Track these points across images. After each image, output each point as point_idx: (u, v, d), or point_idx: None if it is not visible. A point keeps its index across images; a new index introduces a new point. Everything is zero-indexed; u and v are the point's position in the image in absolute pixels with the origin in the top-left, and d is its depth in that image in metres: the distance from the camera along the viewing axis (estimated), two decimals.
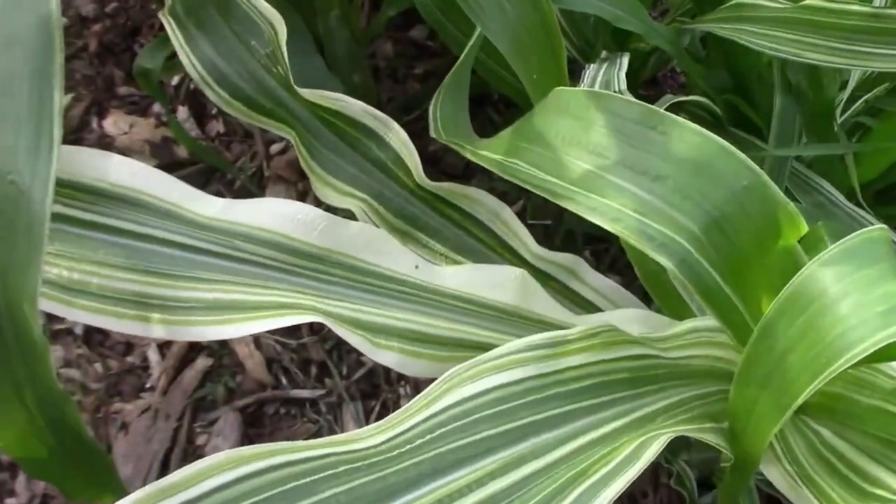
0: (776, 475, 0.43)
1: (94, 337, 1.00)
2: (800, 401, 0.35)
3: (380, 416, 0.92)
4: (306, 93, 0.53)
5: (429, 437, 0.37)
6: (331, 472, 0.35)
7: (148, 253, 0.45)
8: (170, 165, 1.09)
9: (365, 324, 0.44)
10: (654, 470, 0.86)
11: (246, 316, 0.41)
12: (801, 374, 0.35)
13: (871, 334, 0.34)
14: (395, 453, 0.37)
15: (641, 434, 0.38)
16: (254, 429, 0.93)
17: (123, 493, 0.51)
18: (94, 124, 1.13)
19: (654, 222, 0.39)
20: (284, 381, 0.95)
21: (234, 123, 1.13)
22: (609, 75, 0.57)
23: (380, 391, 0.95)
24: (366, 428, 0.38)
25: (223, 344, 0.98)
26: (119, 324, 0.43)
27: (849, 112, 0.69)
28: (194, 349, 0.99)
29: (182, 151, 1.10)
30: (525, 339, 0.40)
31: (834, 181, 0.65)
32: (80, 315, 0.43)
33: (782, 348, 0.36)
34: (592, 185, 0.40)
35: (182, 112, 1.13)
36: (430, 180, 0.53)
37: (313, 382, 0.95)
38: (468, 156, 0.47)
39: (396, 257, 0.48)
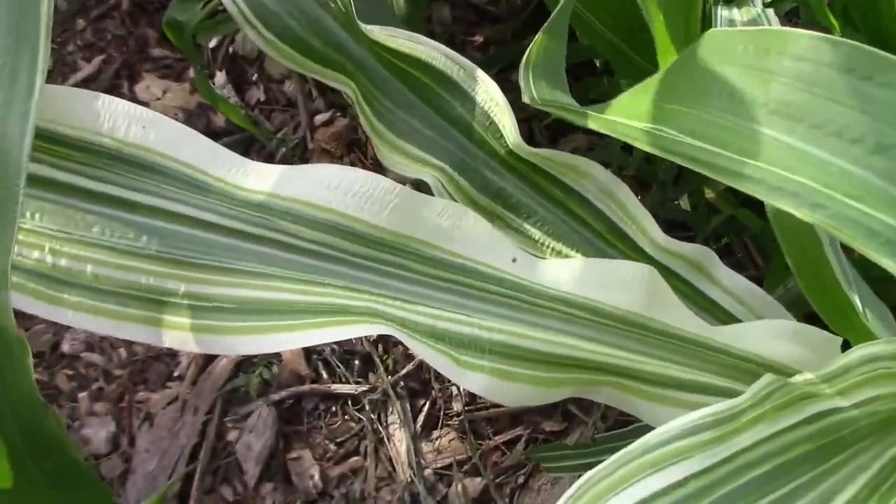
0: None
1: None
2: None
3: (429, 417, 0.84)
4: (373, 31, 0.42)
5: None
6: None
7: (163, 233, 0.34)
8: (205, 135, 1.00)
9: (447, 335, 0.33)
10: None
11: (291, 324, 0.31)
12: None
13: None
14: None
15: None
16: (290, 426, 0.85)
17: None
18: (125, 89, 1.05)
19: (875, 210, 0.28)
20: (325, 374, 0.87)
21: (275, 91, 1.05)
22: (751, 14, 0.45)
23: (429, 389, 0.87)
24: None
25: None
26: (120, 328, 0.33)
27: None
28: None
29: (219, 120, 1.02)
30: (681, 419, 0.29)
31: None
32: (66, 315, 0.33)
33: None
34: (778, 159, 0.29)
35: (220, 78, 1.04)
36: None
37: (356, 377, 0.87)
38: (590, 124, 0.36)
39: (490, 247, 0.37)
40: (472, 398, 0.87)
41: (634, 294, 0.37)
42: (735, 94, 0.30)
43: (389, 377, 0.87)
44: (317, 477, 0.83)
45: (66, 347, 0.90)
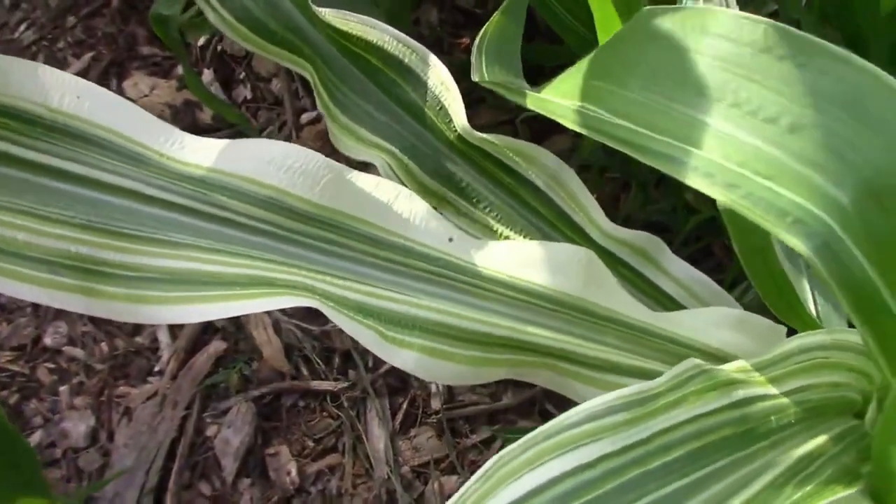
0: None
1: None
2: None
3: (407, 415, 0.84)
4: (327, 15, 0.42)
5: None
6: None
7: (96, 203, 0.34)
8: (191, 131, 1.01)
9: (376, 310, 0.33)
10: None
11: (218, 294, 0.31)
12: None
13: None
14: None
15: None
16: (269, 422, 0.85)
17: (48, 493, 0.42)
18: (113, 86, 1.06)
19: (786, 189, 0.28)
20: (305, 370, 0.87)
21: (262, 89, 1.05)
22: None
23: (409, 387, 0.87)
24: None
25: (239, 327, 0.90)
26: (52, 296, 0.33)
27: None
28: (208, 331, 0.92)
29: (205, 116, 1.03)
30: (596, 400, 0.29)
31: None
32: None
33: None
34: (695, 137, 0.29)
35: (207, 75, 1.05)
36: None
37: (336, 374, 0.87)
38: (527, 103, 0.36)
39: (426, 226, 0.37)
40: (450, 396, 0.87)
41: (572, 277, 0.37)
42: (658, 72, 0.30)
43: (369, 374, 0.87)
44: (294, 473, 0.83)
45: (47, 341, 0.90)
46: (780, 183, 0.28)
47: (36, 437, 0.84)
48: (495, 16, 0.43)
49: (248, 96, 1.04)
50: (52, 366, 0.89)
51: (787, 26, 0.28)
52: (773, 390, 0.32)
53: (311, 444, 0.85)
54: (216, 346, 0.91)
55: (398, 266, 0.36)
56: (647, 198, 0.84)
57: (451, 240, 0.37)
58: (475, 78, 0.41)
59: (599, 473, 0.28)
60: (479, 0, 1.10)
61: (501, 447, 0.81)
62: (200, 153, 0.36)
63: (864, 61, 0.27)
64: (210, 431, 0.86)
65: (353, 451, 0.84)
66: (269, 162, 0.36)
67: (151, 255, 0.33)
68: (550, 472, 0.28)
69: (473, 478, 0.28)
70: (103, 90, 0.38)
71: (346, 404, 0.86)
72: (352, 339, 0.86)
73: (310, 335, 0.89)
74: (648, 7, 0.31)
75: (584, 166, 0.84)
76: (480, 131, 0.43)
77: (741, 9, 0.74)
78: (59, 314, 0.92)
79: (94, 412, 0.87)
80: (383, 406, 0.86)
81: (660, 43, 0.30)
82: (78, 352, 0.90)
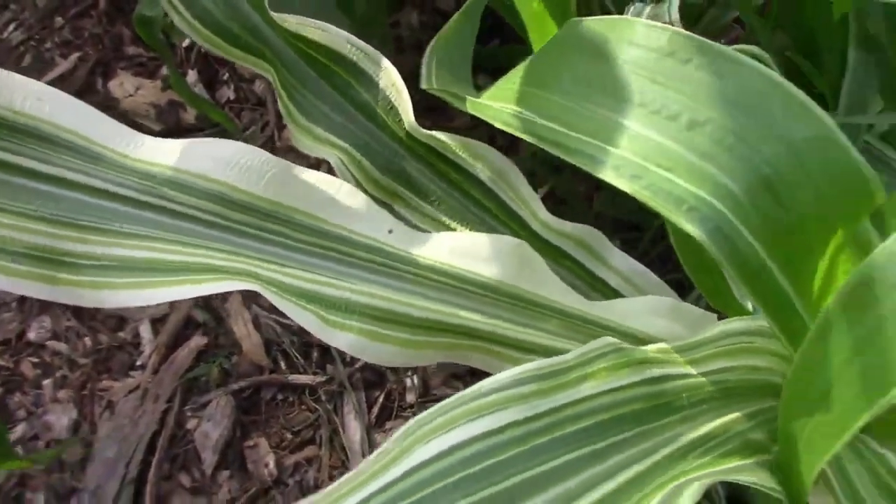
0: None
1: (84, 309, 0.94)
2: (864, 419, 0.27)
3: (383, 408, 0.86)
4: (285, 20, 0.45)
5: None
6: None
7: (55, 198, 0.37)
8: (175, 131, 1.03)
9: (318, 297, 0.35)
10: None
11: (165, 280, 0.33)
12: (865, 388, 0.26)
13: None
14: None
15: (667, 481, 0.30)
16: (248, 415, 0.87)
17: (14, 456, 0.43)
18: (99, 85, 1.07)
19: (683, 180, 0.30)
20: (283, 364, 0.89)
21: (246, 90, 1.07)
22: (659, 9, 0.48)
23: (385, 381, 0.88)
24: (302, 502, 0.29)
25: (219, 322, 0.92)
26: (16, 284, 0.35)
27: None
28: (189, 326, 0.93)
29: (189, 117, 1.04)
30: (507, 372, 0.31)
31: None
32: None
33: (845, 354, 0.28)
34: (608, 135, 0.31)
35: (192, 76, 1.07)
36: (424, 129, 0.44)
37: (314, 368, 0.89)
38: (468, 108, 0.38)
39: (366, 218, 0.39)
40: (425, 390, 0.88)
41: (506, 265, 0.39)
42: (581, 78, 0.33)
43: (346, 369, 0.88)
44: (272, 465, 0.85)
45: (32, 335, 0.92)
46: (677, 174, 0.30)
47: (19, 430, 0.86)
48: (451, 20, 0.46)
49: (232, 97, 1.06)
50: (35, 360, 0.91)
51: (690, 33, 0.30)
52: (690, 370, 0.34)
53: (289, 436, 0.87)
54: (197, 340, 0.92)
55: (339, 255, 0.38)
56: (618, 197, 0.86)
57: (390, 231, 0.39)
58: (423, 85, 0.43)
59: (507, 439, 0.30)
60: (459, 2, 1.12)
61: None
62: (157, 153, 0.39)
63: (760, 65, 0.30)
64: (190, 424, 0.88)
65: (330, 444, 0.86)
66: (219, 160, 0.38)
67: (106, 244, 0.36)
68: (461, 435, 0.30)
69: (392, 438, 0.30)
70: (64, 94, 0.40)
71: (323, 398, 0.88)
72: None
73: (289, 330, 0.91)
74: (576, 18, 0.33)
75: (557, 166, 0.86)
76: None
77: (707, 13, 0.77)
78: (44, 310, 0.93)
79: (76, 405, 0.89)
80: (360, 399, 0.87)
81: (583, 51, 0.33)
82: (62, 346, 0.92)
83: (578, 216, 0.87)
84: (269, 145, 1.03)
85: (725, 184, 0.30)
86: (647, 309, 0.41)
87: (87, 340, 0.92)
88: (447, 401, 0.30)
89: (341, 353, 0.89)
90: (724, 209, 0.30)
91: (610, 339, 0.33)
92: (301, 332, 0.90)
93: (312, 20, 0.45)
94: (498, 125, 0.35)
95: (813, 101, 0.30)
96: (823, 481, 0.34)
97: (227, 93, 1.06)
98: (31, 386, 0.90)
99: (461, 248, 0.40)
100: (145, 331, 0.94)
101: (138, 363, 0.92)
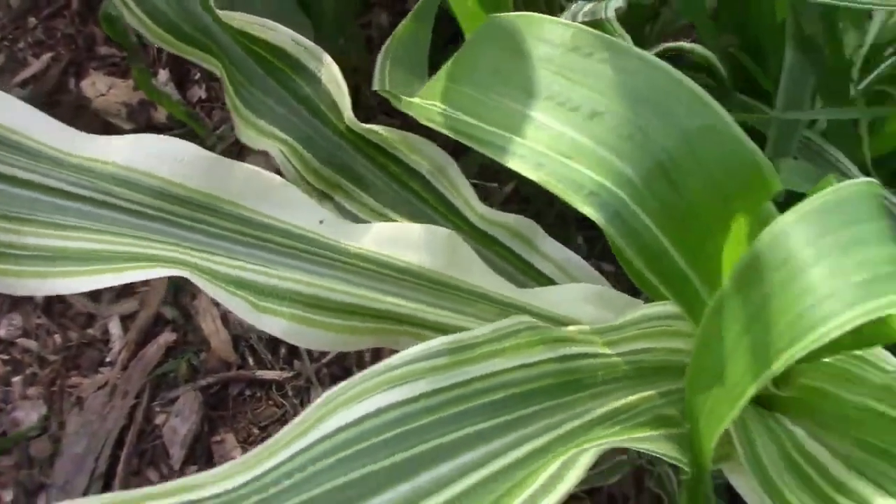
0: (742, 484, 0.36)
1: (54, 306, 0.95)
2: (752, 391, 0.28)
3: None
4: (231, 17, 0.46)
5: (298, 477, 0.30)
6: None
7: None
8: (146, 130, 1.04)
9: (249, 283, 0.37)
10: (637, 473, 0.80)
11: (93, 268, 0.35)
12: (753, 363, 0.28)
13: (843, 309, 0.27)
14: (253, 500, 0.30)
15: (570, 450, 0.31)
16: (216, 410, 0.88)
17: None
18: (72, 85, 1.08)
19: (583, 167, 0.32)
20: (251, 360, 0.90)
21: (217, 90, 1.08)
22: (597, 7, 0.49)
23: (351, 376, 0.89)
24: (216, 470, 0.31)
25: (188, 318, 0.93)
26: None
27: (871, 77, 0.61)
28: (158, 323, 0.94)
29: (160, 116, 1.05)
30: (423, 345, 0.33)
31: (849, 153, 0.57)
32: None
33: (740, 327, 0.29)
34: (516, 127, 0.33)
35: (163, 75, 1.08)
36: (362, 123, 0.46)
37: (281, 364, 0.90)
38: (402, 108, 0.40)
39: (297, 209, 0.41)
40: None
41: (436, 254, 0.41)
42: (493, 72, 0.34)
43: (313, 364, 0.89)
44: None
45: (1, 333, 0.92)
46: (578, 161, 0.31)
47: None
48: (404, 22, 0.47)
49: (203, 96, 1.07)
50: (5, 357, 0.92)
51: (594, 31, 0.32)
52: (606, 350, 0.36)
53: (256, 431, 0.88)
54: (166, 337, 0.93)
55: (270, 244, 0.40)
56: None
57: (321, 222, 0.40)
58: (376, 87, 0.45)
59: (418, 408, 0.32)
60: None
61: None
62: (97, 150, 0.40)
63: (658, 59, 0.31)
64: (159, 420, 0.88)
65: None
66: (156, 155, 0.40)
67: (43, 235, 0.37)
68: (374, 404, 0.32)
69: (310, 407, 0.32)
70: (8, 96, 0.41)
71: (290, 393, 0.89)
72: None
73: (255, 327, 0.92)
74: (495, 15, 0.35)
75: None
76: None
77: (661, 14, 0.78)
78: (14, 307, 0.94)
79: (46, 402, 0.89)
80: None
81: (497, 46, 0.35)
82: (31, 343, 0.92)
83: (542, 214, 0.89)
84: (238, 144, 1.04)
85: (623, 171, 0.31)
86: (576, 296, 0.42)
87: (57, 338, 0.93)
88: (363, 373, 0.32)
89: (309, 349, 0.90)
90: (623, 195, 0.31)
91: (524, 318, 0.35)
92: None
93: (256, 18, 0.47)
94: (424, 122, 0.37)
95: (707, 94, 0.32)
96: (735, 456, 0.36)
97: (199, 92, 1.07)
98: (1, 383, 0.90)
99: (390, 238, 0.41)
100: (115, 328, 0.95)
101: (107, 360, 0.93)
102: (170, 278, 0.92)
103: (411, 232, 0.41)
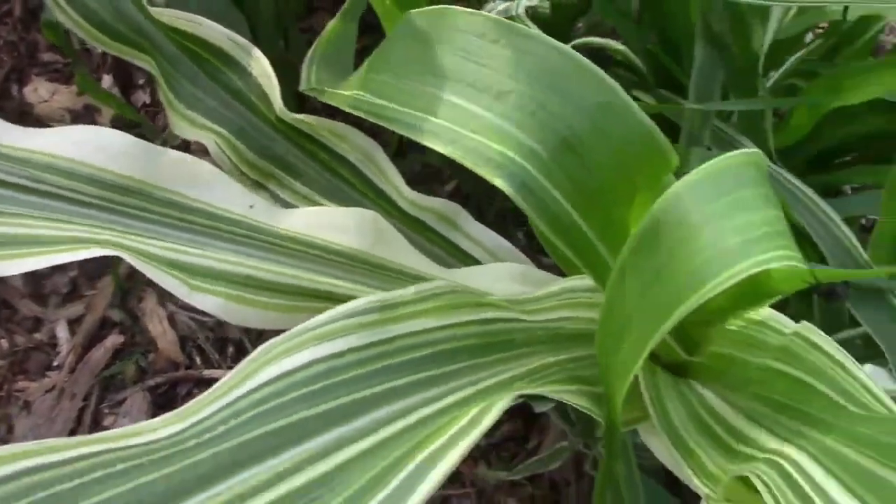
0: (654, 443, 0.38)
1: (2, 311, 0.95)
2: (651, 344, 0.31)
3: None
4: (160, 14, 0.48)
5: (233, 423, 0.32)
6: (105, 471, 0.30)
7: None
8: None
9: (183, 265, 0.38)
10: (576, 458, 0.82)
11: (29, 251, 0.36)
12: (655, 315, 0.30)
13: (729, 266, 0.29)
14: (190, 444, 0.31)
15: (487, 401, 0.34)
16: (164, 410, 0.88)
17: None
18: (14, 91, 1.08)
19: (493, 142, 0.34)
20: (198, 360, 0.90)
21: (161, 94, 1.09)
22: (510, 6, 0.52)
23: None
24: (157, 419, 0.33)
25: (136, 321, 0.93)
26: None
27: (780, 72, 0.65)
28: (105, 326, 0.94)
29: (104, 120, 1.06)
30: (350, 303, 0.35)
31: (759, 143, 0.60)
32: None
33: (640, 288, 0.32)
34: (430, 108, 0.35)
35: (106, 81, 1.08)
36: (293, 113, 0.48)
37: (229, 362, 0.91)
38: (326, 100, 0.42)
39: (228, 194, 0.43)
40: None
41: (364, 235, 0.43)
42: (411, 61, 0.37)
43: None
44: None
45: None
46: (487, 137, 0.34)
47: None
48: (331, 23, 0.49)
49: (147, 101, 1.07)
50: None
51: (501, 18, 0.35)
52: (525, 317, 0.38)
53: None
54: (113, 339, 0.93)
55: (202, 227, 0.42)
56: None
57: (251, 206, 0.42)
58: (303, 87, 0.47)
59: (347, 362, 0.34)
60: (370, 8, 1.15)
61: None
62: (31, 141, 0.41)
63: (558, 42, 0.34)
64: (107, 421, 0.88)
65: None
66: (88, 145, 0.41)
67: None
68: (305, 357, 0.34)
69: (243, 362, 0.34)
70: None
71: None
72: (243, 329, 0.90)
73: (204, 326, 0.92)
74: (411, 10, 0.38)
75: (462, 165, 0.89)
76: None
77: (586, 14, 0.81)
78: None
79: None
80: None
81: (414, 37, 0.37)
82: None
83: (483, 211, 0.91)
84: (184, 147, 1.05)
85: (530, 145, 0.34)
86: (500, 274, 0.45)
87: (4, 342, 0.93)
88: (295, 328, 0.34)
89: (256, 347, 0.91)
90: (530, 167, 0.34)
91: (443, 281, 0.37)
92: (216, 328, 0.92)
93: (187, 14, 0.49)
94: (347, 110, 0.39)
95: (605, 73, 0.34)
96: (648, 418, 0.38)
97: (143, 97, 1.08)
98: None
99: (318, 220, 0.43)
100: (62, 331, 0.95)
101: (55, 363, 0.93)
102: (117, 283, 0.93)
103: (338, 215, 0.43)
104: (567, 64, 0.34)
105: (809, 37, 0.80)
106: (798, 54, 0.64)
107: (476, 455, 0.87)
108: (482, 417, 0.32)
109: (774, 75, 0.65)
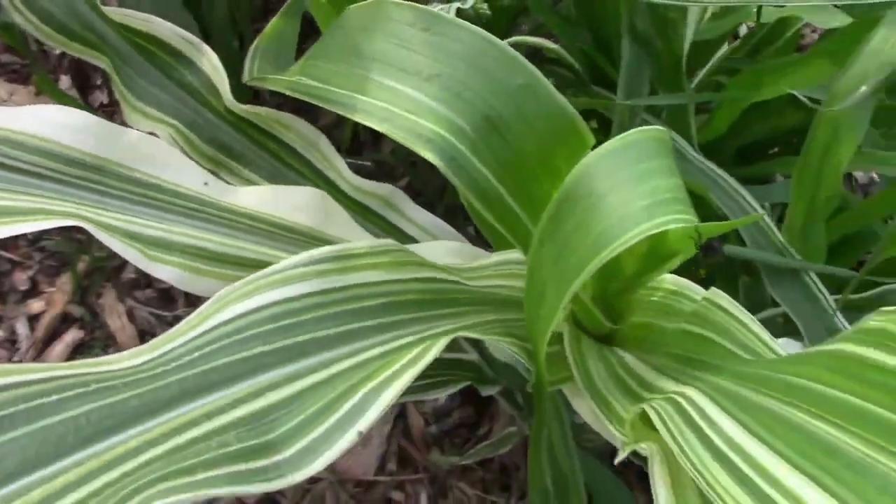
0: (577, 401, 0.42)
1: None
2: (564, 302, 0.34)
3: None
4: (113, 14, 0.51)
5: (197, 354, 0.35)
6: (80, 390, 0.33)
7: None
8: None
9: (141, 236, 0.41)
10: (525, 443, 0.85)
11: (6, 220, 0.38)
12: (567, 276, 0.34)
13: (631, 227, 0.33)
14: (158, 371, 0.34)
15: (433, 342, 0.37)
16: None
17: None
18: None
19: (423, 120, 0.38)
20: None
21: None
22: (447, 8, 0.56)
23: None
24: (126, 351, 0.36)
25: (95, 316, 0.95)
26: None
27: (705, 70, 0.69)
28: (66, 321, 0.96)
29: None
30: (307, 252, 0.38)
31: (686, 137, 0.64)
32: None
33: (556, 253, 0.35)
34: (364, 89, 0.39)
35: (65, 81, 1.10)
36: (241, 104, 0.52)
37: None
38: (267, 86, 0.46)
39: (183, 172, 0.46)
40: None
41: (309, 213, 0.46)
42: (349, 49, 0.40)
43: None
44: None
45: None
46: (417, 115, 0.38)
47: None
48: (273, 20, 0.53)
49: (105, 101, 1.09)
50: None
51: (431, 10, 0.38)
52: (461, 279, 0.42)
53: None
54: (73, 335, 0.95)
55: (160, 203, 0.45)
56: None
57: (205, 184, 0.45)
58: (245, 78, 0.50)
59: (302, 305, 0.38)
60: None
61: None
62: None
63: (479, 28, 0.38)
64: None
65: None
66: (50, 122, 0.44)
67: None
68: (262, 300, 0.38)
69: (206, 303, 0.37)
70: None
71: None
72: None
73: (163, 321, 0.94)
74: (355, 5, 0.41)
75: (413, 161, 0.93)
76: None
77: (522, 14, 0.84)
78: None
79: None
80: None
81: (351, 28, 0.41)
82: None
83: (434, 206, 0.94)
84: None
85: (457, 123, 0.37)
86: (439, 251, 0.48)
87: None
88: (255, 274, 0.37)
89: None
90: (458, 143, 0.37)
91: (394, 242, 0.41)
92: (174, 322, 0.94)
93: (136, 13, 0.52)
94: (286, 92, 0.43)
95: (524, 58, 0.38)
96: (574, 382, 0.42)
97: (101, 97, 1.09)
98: None
99: (269, 198, 0.47)
100: (22, 327, 0.96)
101: (15, 359, 0.94)
102: (76, 279, 0.95)
103: (288, 193, 0.46)
104: (492, 50, 0.38)
105: (743, 32, 0.85)
106: (722, 52, 0.69)
107: (429, 441, 0.90)
108: (425, 354, 0.35)
109: (700, 73, 0.69)
